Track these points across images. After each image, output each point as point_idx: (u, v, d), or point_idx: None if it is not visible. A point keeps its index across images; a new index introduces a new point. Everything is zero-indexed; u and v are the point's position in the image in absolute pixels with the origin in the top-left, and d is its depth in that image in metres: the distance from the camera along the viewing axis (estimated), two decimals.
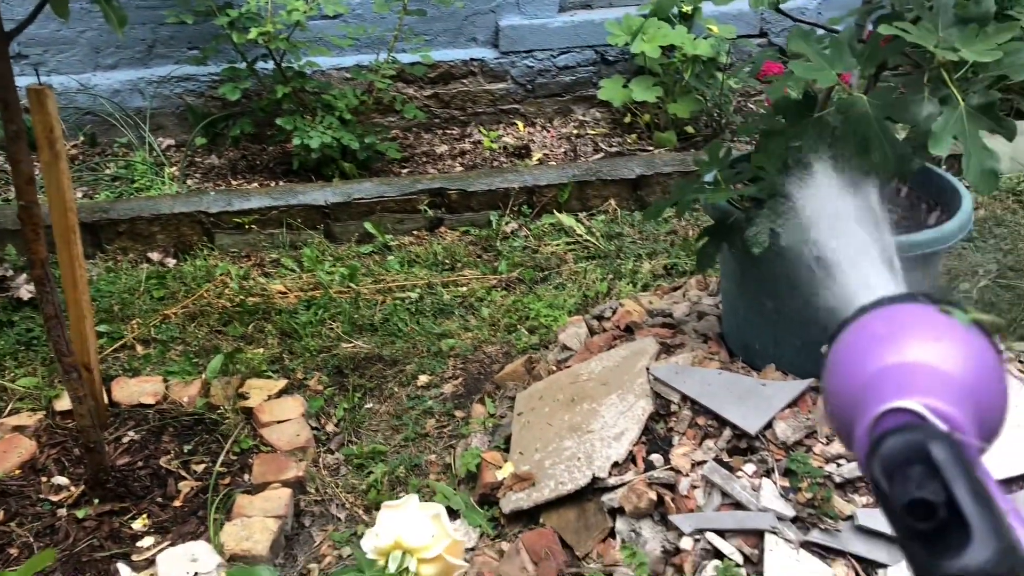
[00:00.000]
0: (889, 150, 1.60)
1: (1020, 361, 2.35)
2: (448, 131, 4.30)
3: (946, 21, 1.61)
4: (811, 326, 2.01)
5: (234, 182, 3.81)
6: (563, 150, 4.09)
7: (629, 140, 4.13)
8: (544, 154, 4.05)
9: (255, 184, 3.77)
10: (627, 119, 4.23)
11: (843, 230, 0.80)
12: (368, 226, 3.36)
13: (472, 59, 4.26)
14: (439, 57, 4.20)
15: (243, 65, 3.70)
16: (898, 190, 2.17)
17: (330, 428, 2.47)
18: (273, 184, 3.73)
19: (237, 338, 2.80)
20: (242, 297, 2.97)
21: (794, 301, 2.02)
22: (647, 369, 2.13)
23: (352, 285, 3.04)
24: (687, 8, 4.03)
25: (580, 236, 3.36)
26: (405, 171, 3.90)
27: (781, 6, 1.84)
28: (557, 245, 3.31)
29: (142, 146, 3.88)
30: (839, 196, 0.83)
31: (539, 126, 4.32)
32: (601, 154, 4.03)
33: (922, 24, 1.59)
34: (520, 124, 4.31)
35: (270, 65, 3.70)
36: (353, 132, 3.67)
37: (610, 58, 4.35)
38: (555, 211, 3.49)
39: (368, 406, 2.56)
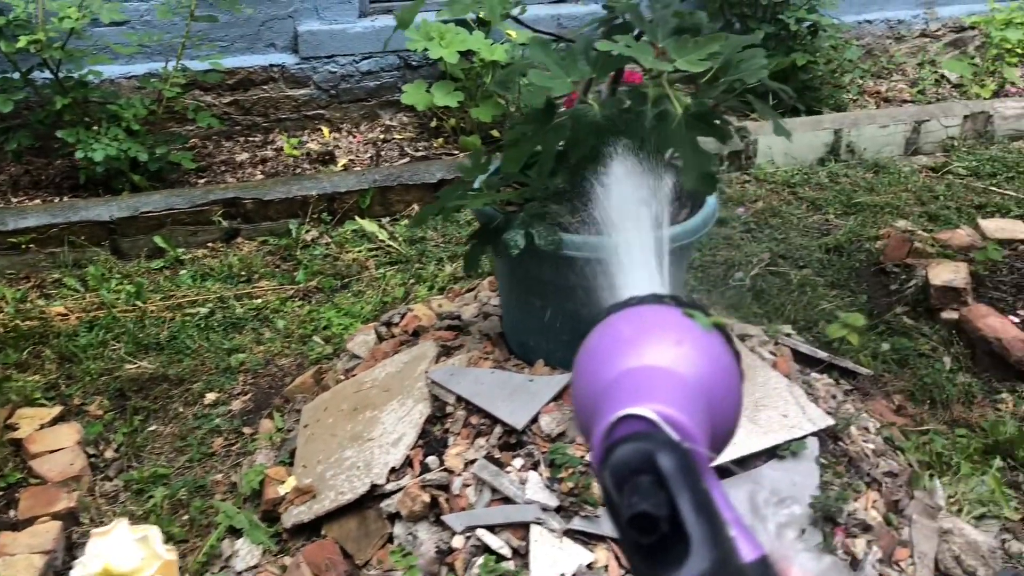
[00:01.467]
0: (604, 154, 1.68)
1: (777, 343, 2.53)
2: (251, 138, 4.20)
3: (665, 32, 1.71)
4: (576, 321, 2.10)
5: (15, 199, 3.59)
6: (369, 155, 4.08)
7: (436, 144, 4.17)
8: (350, 160, 4.02)
9: (38, 200, 3.56)
10: (433, 123, 4.27)
11: (623, 226, 0.79)
12: (158, 240, 3.24)
13: (272, 65, 4.18)
14: (237, 63, 4.10)
15: (16, 75, 3.49)
16: None
17: (109, 454, 2.37)
18: (58, 200, 3.54)
19: (9, 365, 2.64)
20: (17, 321, 2.81)
21: (558, 298, 2.10)
22: (426, 373, 2.16)
23: (139, 303, 2.93)
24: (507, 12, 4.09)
25: (382, 242, 3.37)
26: (203, 181, 3.78)
27: (520, 16, 1.91)
28: (359, 252, 3.30)
29: None
30: (625, 191, 0.83)
31: (345, 132, 4.29)
32: (407, 159, 4.04)
33: (644, 38, 1.69)
34: (325, 130, 4.26)
35: (48, 74, 3.50)
36: (144, 143, 3.53)
37: (414, 63, 4.37)
38: (357, 217, 3.48)
39: (151, 428, 2.47)
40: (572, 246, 1.97)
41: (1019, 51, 4.69)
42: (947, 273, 2.95)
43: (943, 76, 4.86)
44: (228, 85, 4.14)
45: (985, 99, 4.45)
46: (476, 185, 2.17)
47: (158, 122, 3.75)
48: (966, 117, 4.21)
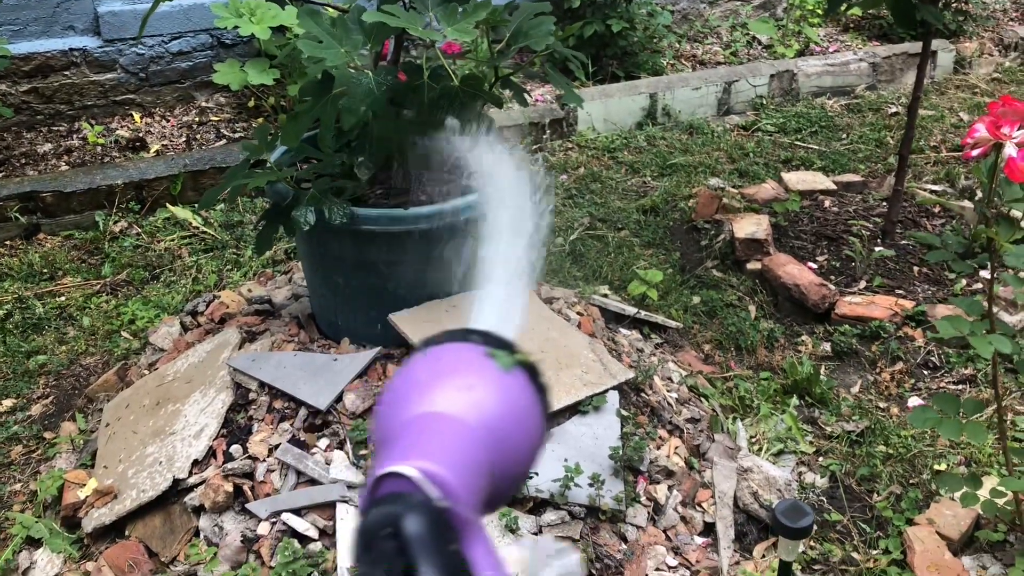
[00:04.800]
0: (389, 126, 1.68)
1: (593, 304, 2.60)
2: (54, 128, 3.96)
3: (435, 1, 1.71)
4: (379, 296, 2.09)
5: None
6: (184, 139, 3.92)
7: (256, 124, 4.04)
8: (163, 145, 3.85)
9: None
10: (251, 103, 4.13)
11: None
12: None
13: (72, 49, 3.94)
14: (32, 48, 3.85)
15: None
16: (456, 157, 2.30)
17: None
18: None
19: None
20: None
21: (360, 274, 2.09)
22: (227, 361, 2.10)
23: None
24: None
25: (197, 228, 3.25)
26: (0, 175, 3.54)
27: None
28: (172, 240, 3.18)
29: None
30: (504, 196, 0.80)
31: (158, 116, 4.10)
32: (224, 141, 3.90)
33: (412, 7, 1.68)
34: (136, 115, 4.06)
35: None
36: None
37: (228, 41, 4.21)
38: (169, 205, 3.34)
39: None
40: (368, 220, 1.96)
41: (819, 12, 4.95)
42: (750, 226, 3.10)
43: (754, 38, 5.08)
44: (24, 72, 3.87)
45: (790, 58, 4.68)
46: (270, 163, 2.12)
47: None
48: (772, 76, 4.42)
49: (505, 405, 0.67)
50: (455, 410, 0.64)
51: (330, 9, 2.23)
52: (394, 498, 0.56)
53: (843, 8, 2.75)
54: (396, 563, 0.53)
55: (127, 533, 1.95)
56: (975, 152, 1.54)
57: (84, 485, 2.06)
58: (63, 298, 2.84)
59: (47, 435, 2.33)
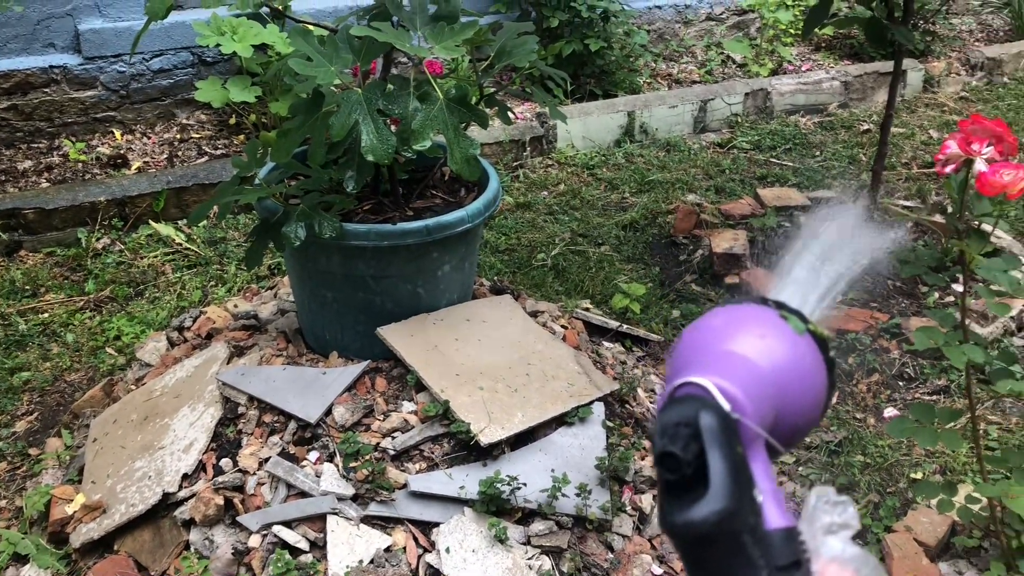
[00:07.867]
0: (375, 138, 1.71)
1: (577, 318, 2.64)
2: (34, 145, 3.95)
3: (423, 20, 1.75)
4: (368, 310, 2.12)
5: None
6: (166, 156, 3.93)
7: (237, 141, 4.06)
8: (144, 162, 3.86)
9: None
10: (233, 120, 4.15)
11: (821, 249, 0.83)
12: None
13: (52, 66, 3.94)
14: (12, 66, 3.85)
15: None
16: (441, 174, 2.34)
17: None
18: None
19: None
20: None
21: (348, 288, 2.11)
22: (216, 375, 2.11)
23: None
24: (278, 5, 4.02)
25: (180, 245, 3.25)
26: None
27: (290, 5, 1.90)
28: (155, 256, 3.18)
29: None
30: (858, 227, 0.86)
31: (139, 133, 4.10)
32: (206, 158, 3.92)
33: (401, 25, 1.72)
34: (117, 132, 4.06)
35: None
36: None
37: (209, 59, 4.24)
38: (152, 221, 3.34)
39: None
40: (356, 235, 1.98)
41: (792, 31, 5.05)
42: (727, 241, 3.16)
43: (728, 57, 5.17)
44: (3, 89, 3.87)
45: (764, 77, 4.77)
46: (259, 180, 2.14)
47: None
48: (747, 95, 4.50)
49: (793, 360, 0.72)
50: (747, 352, 0.70)
51: (317, 28, 2.26)
52: (691, 399, 0.63)
53: (819, 29, 2.82)
54: (690, 447, 0.59)
55: (116, 548, 1.95)
56: (948, 168, 1.60)
57: (71, 500, 2.06)
58: (46, 315, 2.83)
59: (32, 451, 2.33)
